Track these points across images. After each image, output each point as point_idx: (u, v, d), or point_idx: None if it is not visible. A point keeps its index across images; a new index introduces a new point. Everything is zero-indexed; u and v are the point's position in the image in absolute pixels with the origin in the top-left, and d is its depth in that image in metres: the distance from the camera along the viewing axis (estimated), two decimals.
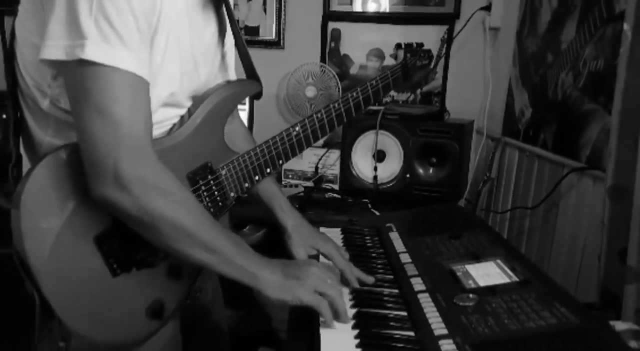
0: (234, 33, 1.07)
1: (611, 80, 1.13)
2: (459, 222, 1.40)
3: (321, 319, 0.88)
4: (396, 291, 1.03)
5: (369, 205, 1.86)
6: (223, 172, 1.01)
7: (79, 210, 0.82)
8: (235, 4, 2.25)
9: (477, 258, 1.09)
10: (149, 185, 0.80)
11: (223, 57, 1.10)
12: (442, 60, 2.19)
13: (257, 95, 1.08)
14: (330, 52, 2.27)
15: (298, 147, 1.08)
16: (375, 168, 1.93)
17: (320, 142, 2.11)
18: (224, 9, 1.05)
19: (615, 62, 1.10)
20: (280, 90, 2.31)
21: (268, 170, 1.07)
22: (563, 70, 1.54)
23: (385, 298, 1.00)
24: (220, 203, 1.01)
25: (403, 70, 1.14)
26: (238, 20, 2.24)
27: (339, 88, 2.19)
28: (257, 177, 1.06)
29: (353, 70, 2.27)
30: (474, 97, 2.20)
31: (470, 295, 0.92)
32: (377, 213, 1.76)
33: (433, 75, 2.22)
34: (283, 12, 2.24)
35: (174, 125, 0.99)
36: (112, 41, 0.76)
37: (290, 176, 2.14)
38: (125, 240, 0.88)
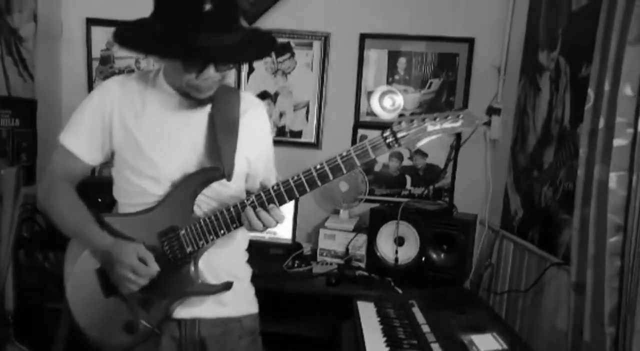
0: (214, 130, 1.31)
1: None
2: (465, 301, 1.83)
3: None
4: None
5: (392, 283, 2.28)
6: (182, 232, 1.29)
7: (88, 254, 1.34)
8: (282, 113, 2.79)
9: (479, 330, 1.51)
10: (47, 197, 1.36)
11: (214, 150, 1.31)
12: (451, 164, 2.69)
13: (219, 177, 1.29)
14: None
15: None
16: (396, 252, 2.36)
17: (351, 226, 2.57)
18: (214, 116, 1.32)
19: None
20: None
21: (222, 232, 1.27)
22: (545, 185, 2.00)
23: None
24: (179, 255, 1.29)
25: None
26: (284, 126, 2.79)
27: (365, 182, 2.67)
28: (211, 236, 1.28)
29: (377, 168, 2.76)
30: (477, 195, 2.67)
31: None
32: (400, 290, 2.19)
33: (443, 174, 2.72)
34: (322, 121, 2.77)
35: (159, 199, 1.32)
36: (69, 130, 1.33)
37: (324, 254, 2.58)
38: (107, 274, 1.30)
